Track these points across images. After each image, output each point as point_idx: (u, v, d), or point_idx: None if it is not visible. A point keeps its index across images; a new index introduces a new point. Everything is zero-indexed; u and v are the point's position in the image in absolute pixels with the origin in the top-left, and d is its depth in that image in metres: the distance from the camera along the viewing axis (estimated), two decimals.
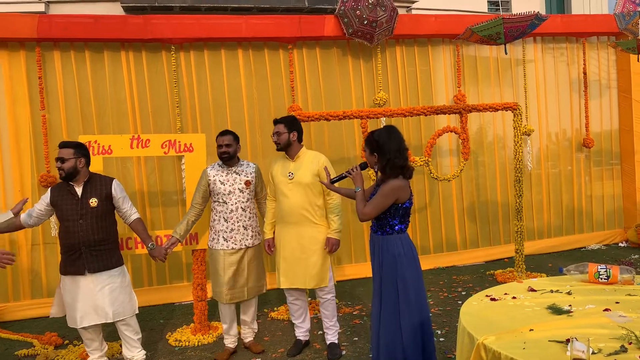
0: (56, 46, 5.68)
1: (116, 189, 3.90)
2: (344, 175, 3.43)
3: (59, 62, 5.70)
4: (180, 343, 4.58)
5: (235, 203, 4.11)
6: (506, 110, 5.88)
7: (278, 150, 4.10)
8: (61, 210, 3.72)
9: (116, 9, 9.08)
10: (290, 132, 4.01)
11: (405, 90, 6.75)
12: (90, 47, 5.78)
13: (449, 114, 5.84)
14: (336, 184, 3.63)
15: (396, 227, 3.17)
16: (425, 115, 5.69)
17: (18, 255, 5.55)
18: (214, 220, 4.18)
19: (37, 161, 5.61)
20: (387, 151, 3.11)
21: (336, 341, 4.19)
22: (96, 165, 4.29)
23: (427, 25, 6.64)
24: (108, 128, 5.81)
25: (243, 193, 4.14)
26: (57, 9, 9.10)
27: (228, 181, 4.12)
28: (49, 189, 3.83)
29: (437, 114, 5.70)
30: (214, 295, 4.22)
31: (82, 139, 4.35)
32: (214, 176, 4.14)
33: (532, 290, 2.78)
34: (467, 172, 6.94)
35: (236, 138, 4.19)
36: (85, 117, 5.78)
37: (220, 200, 4.12)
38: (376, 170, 3.29)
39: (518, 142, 5.80)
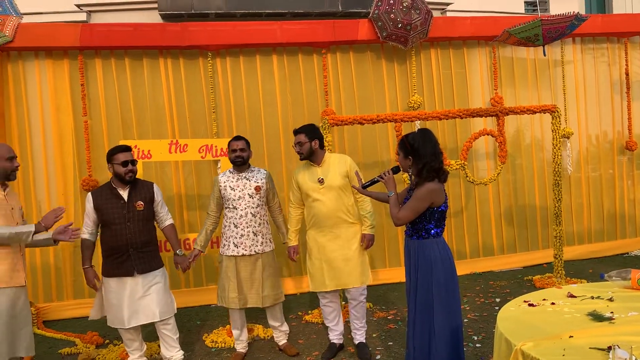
0: (97, 54, 5.87)
1: (157, 192, 4.03)
2: (375, 179, 3.43)
3: (100, 69, 5.88)
4: (217, 344, 4.66)
5: (245, 208, 4.15)
6: (544, 113, 5.76)
7: (302, 159, 4.14)
8: (107, 214, 3.81)
9: (154, 17, 9.29)
10: (311, 141, 4.06)
11: (440, 93, 6.70)
12: (130, 55, 5.95)
13: (486, 116, 5.76)
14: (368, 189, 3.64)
15: (432, 232, 3.13)
16: (461, 118, 5.63)
17: (61, 257, 5.74)
18: (225, 226, 4.22)
19: (80, 166, 5.80)
20: (423, 154, 3.07)
21: (365, 341, 4.25)
22: (138, 170, 4.40)
23: (462, 27, 6.57)
24: (147, 133, 5.96)
25: (253, 198, 4.17)
26: (98, 18, 9.37)
27: (238, 187, 4.17)
28: (88, 197, 3.90)
29: (473, 116, 5.63)
30: (223, 302, 4.19)
31: (124, 144, 4.47)
32: (224, 182, 4.20)
33: (572, 296, 2.72)
34: (504, 176, 6.82)
35: (248, 144, 4.26)
36: (125, 123, 5.94)
37: (231, 206, 4.17)
38: (410, 174, 3.26)
39: (557, 145, 5.67)
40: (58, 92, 5.80)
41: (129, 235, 3.80)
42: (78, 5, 9.33)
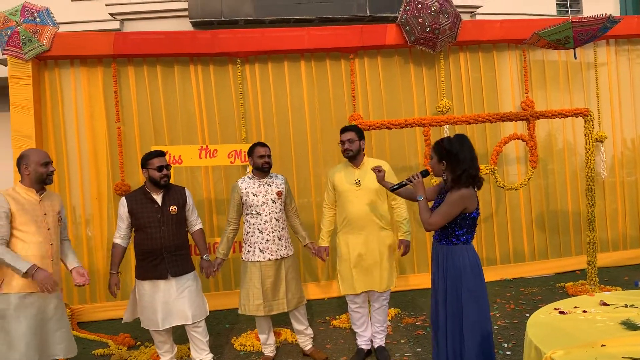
0: (130, 62, 6.01)
1: (189, 197, 4.11)
2: (404, 183, 3.42)
3: (132, 77, 6.02)
4: (245, 348, 4.70)
5: (269, 214, 4.17)
6: (577, 117, 5.65)
7: (349, 157, 4.14)
8: (142, 218, 3.90)
9: (185, 24, 9.47)
10: (360, 140, 4.12)
11: (470, 97, 6.64)
12: (162, 62, 6.08)
13: (516, 120, 5.68)
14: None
15: (462, 238, 3.11)
16: (491, 122, 5.57)
17: (95, 259, 5.88)
18: (248, 232, 4.22)
19: (113, 171, 5.94)
20: (462, 160, 3.05)
21: (384, 344, 4.30)
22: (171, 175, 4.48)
23: (491, 30, 6.50)
24: (178, 139, 6.06)
25: (275, 203, 4.20)
26: (131, 26, 9.60)
27: (260, 192, 4.19)
28: (122, 201, 3.98)
29: (504, 120, 5.56)
30: (245, 310, 4.19)
31: (156, 149, 4.56)
32: (245, 189, 4.21)
33: (605, 304, 2.66)
34: (535, 181, 6.71)
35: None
36: (157, 129, 6.06)
37: (254, 212, 4.18)
38: (444, 178, 3.22)
39: (589, 150, 5.56)
40: (92, 99, 5.95)
41: (162, 238, 3.88)
42: (112, 14, 9.58)
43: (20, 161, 3.52)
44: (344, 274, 4.19)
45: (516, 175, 6.72)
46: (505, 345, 4.34)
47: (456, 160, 3.05)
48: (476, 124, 5.60)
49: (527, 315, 4.93)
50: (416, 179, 3.24)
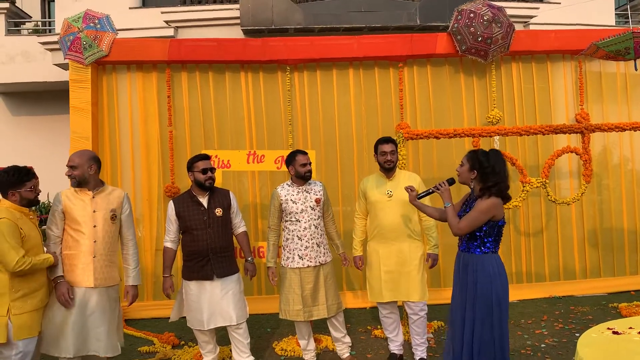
0: (184, 68, 6.18)
1: (233, 199, 4.18)
2: (431, 190, 3.52)
3: (185, 82, 6.19)
4: (286, 352, 4.72)
5: (308, 221, 4.20)
6: (635, 131, 5.44)
7: (389, 169, 4.19)
8: (189, 221, 3.99)
9: (236, 32, 9.67)
10: (397, 152, 4.26)
11: (522, 108, 6.48)
12: (214, 69, 6.22)
13: (570, 133, 5.52)
14: (425, 198, 3.71)
15: (491, 246, 3.22)
16: (543, 134, 5.44)
17: (143, 259, 6.04)
18: (287, 239, 4.26)
19: (164, 173, 6.10)
20: (497, 173, 3.17)
21: (425, 357, 4.26)
22: (216, 178, 4.57)
23: (546, 41, 6.34)
24: (227, 144, 6.18)
25: (314, 210, 4.23)
26: (185, 33, 9.87)
27: (300, 200, 4.22)
28: (170, 205, 4.09)
29: (556, 133, 5.42)
30: (286, 315, 4.22)
31: (205, 153, 4.66)
32: (285, 196, 4.24)
33: None
34: (588, 196, 6.47)
35: None
36: (207, 133, 6.20)
37: (293, 219, 4.21)
38: (471, 187, 3.32)
39: None
40: (146, 103, 6.15)
41: (208, 240, 3.96)
42: (167, 22, 9.88)
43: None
44: (372, 283, 4.28)
45: (568, 189, 6.51)
46: None
47: (492, 172, 3.17)
48: (528, 135, 5.48)
49: (577, 334, 4.75)
50: (443, 187, 3.39)
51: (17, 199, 3.39)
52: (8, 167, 3.45)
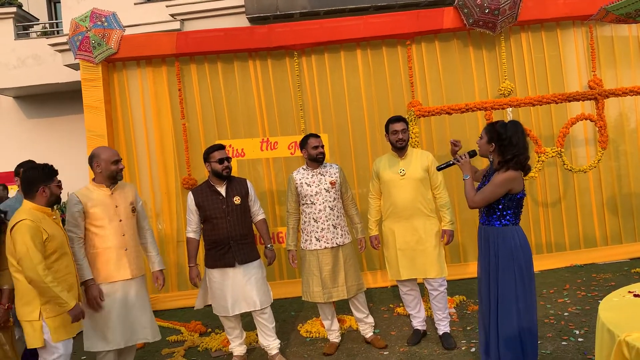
0: (192, 60, 6.22)
1: (250, 187, 4.24)
2: (451, 162, 3.52)
3: (195, 74, 6.23)
4: (311, 334, 4.80)
5: (323, 203, 4.23)
6: None
7: (401, 147, 4.20)
8: (208, 210, 4.06)
9: (242, 20, 9.64)
10: (408, 131, 4.28)
11: (533, 78, 6.42)
12: (222, 59, 6.24)
13: (583, 100, 5.46)
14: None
15: (511, 219, 3.20)
16: (556, 103, 5.39)
17: (166, 251, 6.14)
18: (304, 222, 4.31)
19: (180, 166, 6.18)
20: (515, 145, 3.12)
21: (449, 331, 4.30)
22: (232, 167, 4.62)
23: (554, 8, 6.24)
24: (240, 133, 6.23)
25: (329, 192, 4.25)
26: (191, 25, 9.87)
27: (314, 182, 4.25)
28: (190, 196, 4.15)
29: (570, 101, 5.37)
30: (308, 297, 4.29)
31: (219, 143, 4.71)
32: (300, 179, 4.29)
33: None
34: (606, 163, 6.41)
35: None
36: (219, 124, 6.25)
37: (309, 202, 4.25)
38: (491, 159, 3.31)
39: None
40: (158, 97, 6.21)
41: (229, 228, 4.02)
42: (172, 15, 9.89)
43: (92, 160, 3.71)
44: (390, 260, 4.34)
45: (585, 157, 6.45)
46: (577, 332, 4.22)
47: (509, 144, 3.13)
48: (540, 105, 5.43)
49: (600, 301, 4.75)
50: (463, 159, 3.36)
51: (47, 195, 3.28)
52: (31, 163, 3.45)
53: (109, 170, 3.68)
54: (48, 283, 3.08)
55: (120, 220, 3.71)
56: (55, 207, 3.55)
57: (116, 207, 3.71)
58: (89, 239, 3.64)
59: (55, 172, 3.37)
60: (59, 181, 3.41)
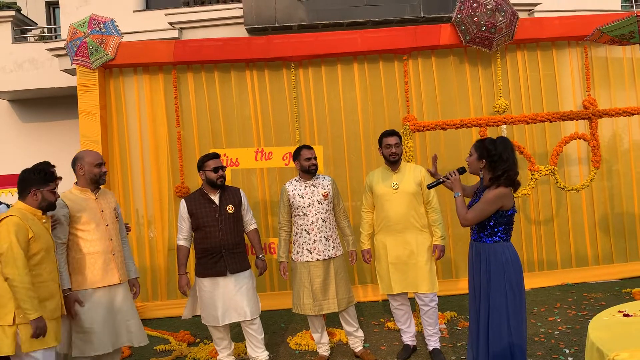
0: (190, 68, 6.23)
1: (244, 197, 4.24)
2: (441, 180, 3.50)
3: (192, 83, 6.23)
4: (300, 347, 4.76)
5: (315, 215, 4.22)
6: None
7: (394, 161, 4.22)
8: (201, 218, 4.04)
9: (240, 31, 9.68)
10: (401, 145, 4.29)
11: (528, 96, 6.47)
12: (219, 68, 6.26)
13: (577, 119, 5.51)
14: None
15: (502, 235, 3.21)
16: (551, 121, 5.43)
17: (156, 259, 6.10)
18: (296, 233, 4.30)
19: (173, 173, 6.16)
20: (505, 161, 3.15)
21: (439, 347, 4.27)
22: (226, 176, 4.61)
23: (550, 28, 6.31)
24: (235, 142, 6.23)
25: (322, 205, 4.24)
26: (189, 34, 9.90)
27: (307, 194, 4.25)
28: (182, 203, 4.13)
29: (564, 120, 5.41)
30: (298, 309, 4.26)
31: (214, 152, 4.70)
32: (292, 191, 4.28)
33: None
34: (599, 182, 6.45)
35: None
36: (214, 133, 6.25)
37: (301, 214, 4.24)
38: (481, 176, 3.32)
39: None
40: (154, 105, 6.20)
41: (221, 237, 4.01)
42: (171, 23, 9.92)
43: (75, 162, 3.67)
44: (382, 274, 4.33)
45: (578, 176, 6.49)
46: (567, 350, 4.21)
47: (500, 160, 3.15)
48: (535, 123, 5.47)
49: (590, 320, 4.74)
50: (453, 176, 3.36)
51: (38, 199, 3.21)
52: (35, 164, 3.34)
53: (92, 173, 3.64)
54: (25, 283, 2.97)
55: (107, 225, 3.68)
56: (48, 213, 3.44)
57: (102, 211, 3.68)
58: (75, 243, 3.58)
59: (51, 178, 3.30)
60: (55, 188, 3.33)
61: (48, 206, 3.31)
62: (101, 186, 3.80)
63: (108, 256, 3.65)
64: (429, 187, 3.63)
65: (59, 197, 3.45)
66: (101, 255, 3.61)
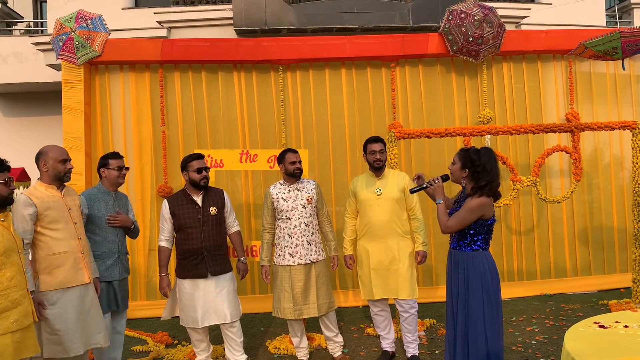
0: (176, 68, 6.19)
1: (227, 199, 4.22)
2: (424, 185, 3.53)
3: (178, 82, 6.20)
4: (279, 351, 4.74)
5: (299, 218, 4.22)
6: (624, 130, 5.50)
7: (378, 168, 4.24)
8: (183, 219, 4.00)
9: (229, 32, 9.68)
10: (385, 152, 4.32)
11: (512, 107, 6.54)
12: (207, 69, 6.23)
13: (560, 132, 5.57)
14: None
15: (481, 244, 3.24)
16: (534, 133, 5.48)
17: (136, 258, 6.04)
18: (279, 237, 4.29)
19: (157, 173, 6.11)
20: (489, 172, 3.18)
21: (417, 354, 4.30)
22: (210, 177, 4.58)
23: (536, 41, 6.40)
24: (220, 143, 6.20)
25: (305, 209, 4.24)
26: (178, 34, 9.88)
27: (290, 198, 4.25)
28: (164, 203, 4.09)
29: (547, 132, 5.46)
30: (278, 313, 4.24)
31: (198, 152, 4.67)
32: (276, 194, 4.28)
33: None
34: (579, 195, 6.53)
35: None
36: (200, 133, 6.22)
37: (284, 217, 4.24)
38: (463, 185, 3.35)
39: (637, 164, 5.39)
40: (139, 103, 6.15)
41: (203, 238, 3.98)
42: (159, 22, 9.88)
43: (39, 158, 3.49)
44: (364, 280, 4.35)
45: (559, 188, 6.57)
46: None
47: (483, 171, 3.17)
48: (518, 134, 5.52)
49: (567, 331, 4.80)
50: (436, 183, 3.39)
51: None
52: None
53: (56, 170, 3.47)
54: None
55: (75, 224, 3.55)
56: (7, 208, 3.08)
57: (69, 209, 3.53)
58: (43, 242, 3.40)
59: (1, 169, 2.98)
60: (8, 179, 3.01)
61: (3, 201, 2.98)
62: (65, 183, 3.63)
63: (78, 255, 3.52)
64: (412, 191, 3.66)
65: (14, 189, 3.11)
66: (71, 254, 3.48)
